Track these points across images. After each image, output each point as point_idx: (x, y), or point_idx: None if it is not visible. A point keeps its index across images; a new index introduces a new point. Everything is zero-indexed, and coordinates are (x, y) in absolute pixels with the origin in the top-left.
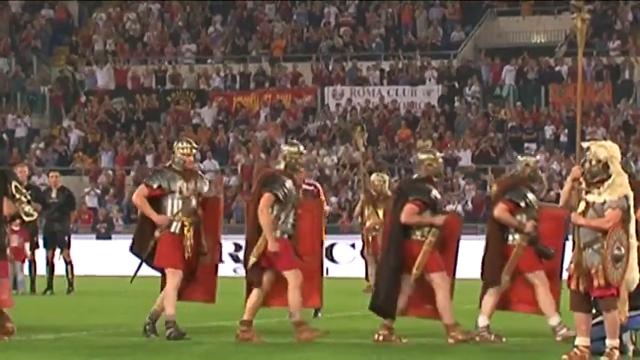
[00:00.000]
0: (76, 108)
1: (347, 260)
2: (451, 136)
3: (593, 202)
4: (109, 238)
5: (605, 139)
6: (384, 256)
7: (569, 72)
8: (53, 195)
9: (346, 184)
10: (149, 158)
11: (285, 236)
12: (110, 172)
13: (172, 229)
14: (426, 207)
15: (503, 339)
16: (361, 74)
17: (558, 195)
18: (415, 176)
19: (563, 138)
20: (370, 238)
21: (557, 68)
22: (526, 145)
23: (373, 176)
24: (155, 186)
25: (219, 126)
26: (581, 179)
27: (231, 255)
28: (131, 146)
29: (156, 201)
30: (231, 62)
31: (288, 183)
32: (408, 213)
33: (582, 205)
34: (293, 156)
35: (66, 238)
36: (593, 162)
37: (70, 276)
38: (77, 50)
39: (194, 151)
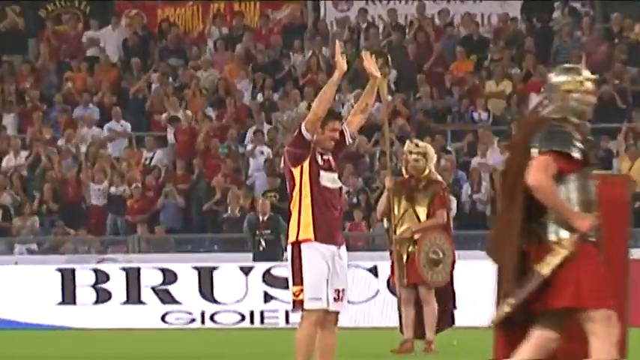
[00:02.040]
0: None
1: (363, 296)
2: (544, 72)
3: None
4: None
5: None
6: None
7: None
8: None
9: (359, 163)
10: None
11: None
12: None
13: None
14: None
15: None
16: None
17: None
18: (547, 111)
19: None
20: (405, 256)
21: None
22: None
23: (407, 146)
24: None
25: (133, 60)
26: None
27: None
28: None
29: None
30: None
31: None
32: (538, 168)
33: None
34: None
35: None
36: None
37: None
38: None
39: None
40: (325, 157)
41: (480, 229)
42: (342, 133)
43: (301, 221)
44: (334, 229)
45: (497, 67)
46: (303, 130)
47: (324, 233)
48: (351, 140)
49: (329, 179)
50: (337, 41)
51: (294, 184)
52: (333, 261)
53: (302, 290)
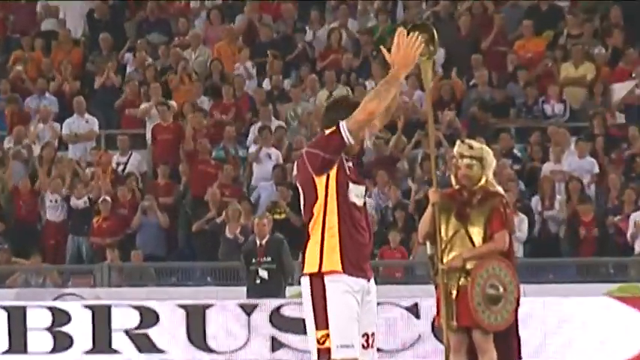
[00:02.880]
0: None
1: (400, 342)
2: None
3: None
4: None
5: None
6: None
7: None
8: None
9: (395, 170)
10: None
11: None
12: None
13: None
14: None
15: None
16: None
17: None
18: None
19: None
20: (454, 291)
21: None
22: None
23: (457, 148)
24: None
25: (102, 36)
26: None
27: None
28: None
29: None
30: None
31: None
32: None
33: None
34: None
35: None
36: None
37: None
38: None
39: None
40: (349, 164)
41: (553, 256)
42: None
43: (325, 247)
44: (364, 257)
45: (575, 46)
46: (344, 131)
47: (354, 263)
48: (369, 145)
49: (357, 193)
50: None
51: (316, 198)
52: (362, 298)
53: (328, 336)
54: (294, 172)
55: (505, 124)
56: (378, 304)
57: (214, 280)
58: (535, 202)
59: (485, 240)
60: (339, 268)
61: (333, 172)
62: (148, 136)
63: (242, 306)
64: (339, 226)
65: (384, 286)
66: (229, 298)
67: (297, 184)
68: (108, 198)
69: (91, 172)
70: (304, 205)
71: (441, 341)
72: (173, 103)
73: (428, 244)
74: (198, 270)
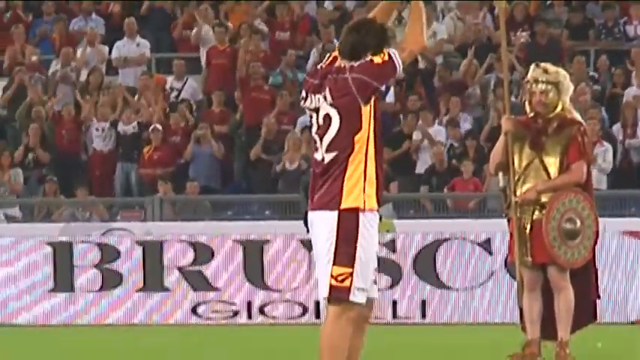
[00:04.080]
0: None
1: (472, 280)
2: None
3: None
4: None
5: None
6: None
7: None
8: None
9: (465, 96)
10: None
11: None
12: None
13: None
14: None
15: None
16: None
17: None
18: None
19: None
20: (528, 225)
21: None
22: None
23: (532, 72)
24: None
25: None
26: None
27: None
28: None
29: None
30: None
31: None
32: None
33: None
34: None
35: None
36: None
37: None
38: None
39: None
40: None
41: (634, 187)
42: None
43: (367, 181)
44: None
45: None
46: (397, 61)
47: (379, 198)
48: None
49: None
50: None
51: (360, 128)
52: None
53: (351, 275)
54: (326, 93)
55: (584, 46)
56: (448, 239)
57: (273, 213)
58: (616, 129)
59: (561, 171)
60: (375, 204)
61: (372, 102)
62: (203, 60)
63: (303, 242)
64: (376, 159)
65: (455, 221)
66: (289, 233)
67: (330, 106)
68: (159, 126)
69: (143, 100)
70: (338, 131)
71: (514, 278)
72: (230, 25)
73: (500, 175)
74: (255, 203)
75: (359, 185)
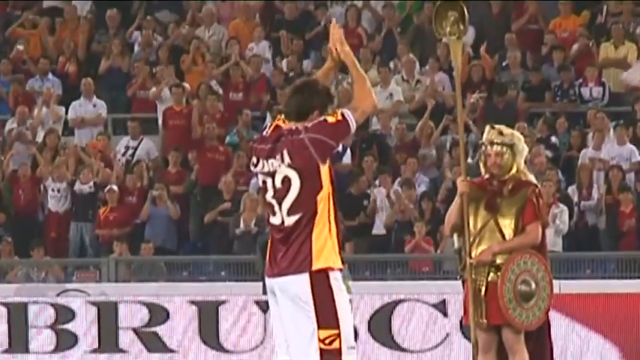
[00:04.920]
0: None
1: (427, 342)
2: None
3: None
4: None
5: None
6: None
7: None
8: None
9: (422, 157)
10: None
11: None
12: None
13: None
14: None
15: None
16: None
17: None
18: None
19: None
20: (483, 287)
21: None
22: None
23: (487, 134)
24: None
25: (109, 14)
26: None
27: None
28: None
29: None
30: None
31: None
32: None
33: None
34: None
35: None
36: None
37: None
38: None
39: None
40: None
41: (589, 249)
42: None
43: (331, 241)
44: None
45: (615, 25)
46: (350, 120)
47: (342, 257)
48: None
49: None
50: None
51: (321, 187)
52: None
53: (338, 336)
54: (284, 155)
55: (540, 108)
56: (404, 300)
57: (229, 274)
58: (572, 191)
59: (516, 232)
60: (339, 264)
61: (328, 163)
62: (160, 121)
63: (258, 303)
64: (336, 219)
65: (410, 282)
66: (245, 294)
67: (289, 168)
68: (115, 187)
69: (99, 160)
70: (299, 193)
71: (469, 340)
72: (186, 85)
73: (455, 236)
74: (211, 264)
75: (327, 245)
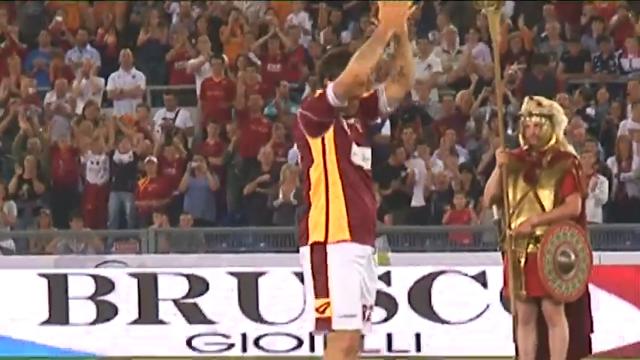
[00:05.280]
0: None
1: (466, 314)
2: None
3: None
4: None
5: None
6: None
7: None
8: None
9: (461, 129)
10: None
11: None
12: None
13: None
14: None
15: None
16: None
17: None
18: None
19: None
20: (523, 259)
21: None
22: None
23: (526, 106)
24: None
25: None
26: None
27: None
28: None
29: None
30: None
31: None
32: None
33: None
34: None
35: None
36: None
37: None
38: None
39: None
40: (351, 122)
41: (629, 221)
42: (374, 95)
43: (331, 214)
44: (371, 224)
45: None
46: (330, 95)
47: (360, 230)
48: (388, 109)
49: (363, 156)
50: None
51: (312, 160)
52: (368, 267)
53: (329, 304)
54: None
55: (579, 79)
56: (443, 272)
57: (268, 245)
58: (611, 163)
59: (555, 204)
60: (347, 236)
61: (329, 134)
62: (198, 92)
63: (298, 274)
64: (344, 191)
65: (449, 254)
66: (284, 265)
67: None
68: (154, 158)
69: (137, 131)
70: (302, 168)
71: (509, 312)
72: (225, 57)
73: (495, 208)
74: (250, 235)
75: (321, 219)
